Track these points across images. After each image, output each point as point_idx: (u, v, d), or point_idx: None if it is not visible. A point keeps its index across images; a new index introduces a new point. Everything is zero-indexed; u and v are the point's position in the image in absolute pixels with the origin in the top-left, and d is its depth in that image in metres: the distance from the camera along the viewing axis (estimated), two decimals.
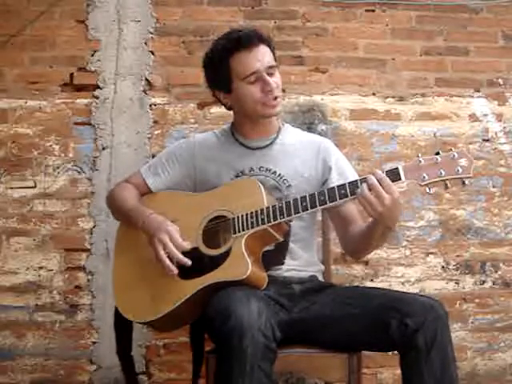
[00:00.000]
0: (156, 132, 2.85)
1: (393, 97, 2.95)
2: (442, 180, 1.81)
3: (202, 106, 2.86)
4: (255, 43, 2.07)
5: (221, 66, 2.09)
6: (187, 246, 1.98)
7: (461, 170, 1.80)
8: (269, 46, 2.11)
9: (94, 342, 2.79)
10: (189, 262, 1.95)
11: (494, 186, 2.96)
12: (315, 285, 2.12)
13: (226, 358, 1.72)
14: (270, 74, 2.07)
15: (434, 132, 2.96)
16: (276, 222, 1.93)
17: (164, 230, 1.98)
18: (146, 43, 2.86)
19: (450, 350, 1.82)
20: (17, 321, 2.77)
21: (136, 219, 2.09)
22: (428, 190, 1.83)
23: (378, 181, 1.81)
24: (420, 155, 1.84)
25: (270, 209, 1.94)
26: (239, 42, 2.07)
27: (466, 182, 1.81)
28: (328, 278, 2.36)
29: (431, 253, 2.93)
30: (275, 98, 2.08)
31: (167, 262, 1.95)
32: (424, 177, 1.81)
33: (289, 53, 2.87)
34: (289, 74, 2.86)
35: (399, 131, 2.94)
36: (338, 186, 1.89)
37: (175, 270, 1.95)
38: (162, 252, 1.96)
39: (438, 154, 1.83)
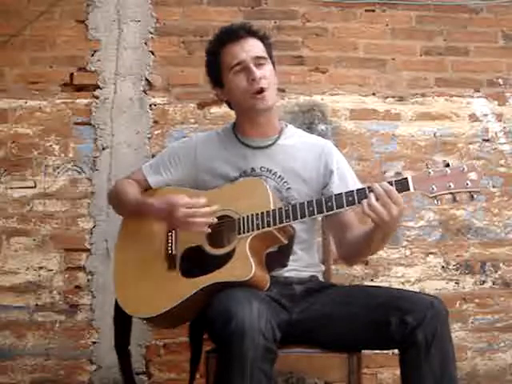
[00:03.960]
0: (156, 132, 2.85)
1: (393, 97, 2.95)
2: (450, 193, 1.81)
3: (202, 105, 2.86)
4: (243, 35, 2.11)
5: (213, 60, 2.15)
6: (203, 200, 1.99)
7: (470, 184, 1.79)
8: (261, 40, 2.15)
9: (94, 342, 2.79)
10: (215, 220, 1.98)
11: (494, 186, 2.96)
12: (316, 285, 2.12)
13: (227, 360, 1.72)
14: (258, 66, 2.09)
15: (434, 132, 2.96)
16: (282, 225, 1.93)
17: (176, 203, 1.99)
18: (146, 43, 2.86)
19: (450, 347, 1.83)
20: (17, 321, 2.77)
21: (142, 208, 2.10)
22: (436, 202, 1.82)
23: (386, 193, 1.81)
24: (429, 166, 1.83)
25: (277, 211, 1.93)
26: (228, 34, 2.12)
27: (475, 196, 1.80)
28: (328, 277, 2.37)
29: (431, 253, 2.93)
30: (262, 91, 2.08)
31: (200, 219, 1.96)
32: (433, 188, 1.81)
33: (289, 53, 2.88)
34: (289, 74, 2.86)
35: (399, 131, 2.94)
36: (345, 193, 1.89)
37: (215, 220, 1.98)
38: (190, 219, 1.97)
39: (447, 165, 1.82)
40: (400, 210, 1.82)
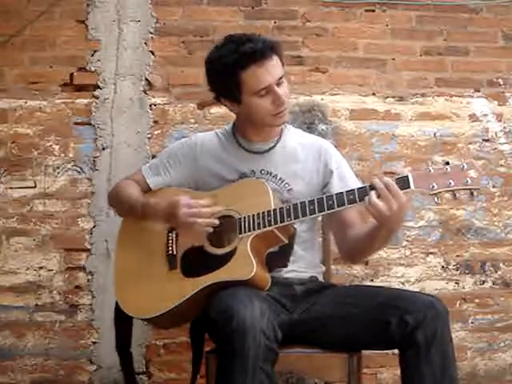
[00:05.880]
0: (156, 132, 2.85)
1: (393, 97, 2.95)
2: (450, 190, 1.82)
3: (202, 105, 2.86)
4: (268, 56, 2.02)
5: (231, 79, 2.03)
6: (206, 201, 2.00)
7: (470, 182, 1.80)
8: (278, 54, 2.07)
9: (94, 342, 2.79)
10: (216, 222, 1.98)
11: (494, 186, 2.96)
12: (316, 285, 2.12)
13: (228, 359, 1.72)
14: (279, 84, 2.05)
15: (434, 132, 2.96)
16: (283, 224, 1.93)
17: (177, 205, 1.99)
18: (145, 43, 2.86)
19: (451, 347, 1.83)
20: (17, 321, 2.77)
21: (143, 209, 2.10)
22: (436, 200, 1.83)
23: (385, 187, 1.81)
24: (430, 164, 1.84)
25: (277, 211, 1.93)
26: (252, 56, 2.00)
27: (475, 193, 1.82)
28: (328, 278, 2.36)
29: (431, 253, 2.93)
30: (284, 109, 2.07)
31: (201, 220, 1.97)
32: (433, 186, 1.82)
33: (289, 53, 2.86)
34: (289, 74, 2.84)
35: (399, 131, 2.94)
36: (346, 192, 1.89)
37: (216, 221, 1.98)
38: (191, 219, 1.97)
39: (447, 163, 1.84)
40: (400, 205, 1.82)
